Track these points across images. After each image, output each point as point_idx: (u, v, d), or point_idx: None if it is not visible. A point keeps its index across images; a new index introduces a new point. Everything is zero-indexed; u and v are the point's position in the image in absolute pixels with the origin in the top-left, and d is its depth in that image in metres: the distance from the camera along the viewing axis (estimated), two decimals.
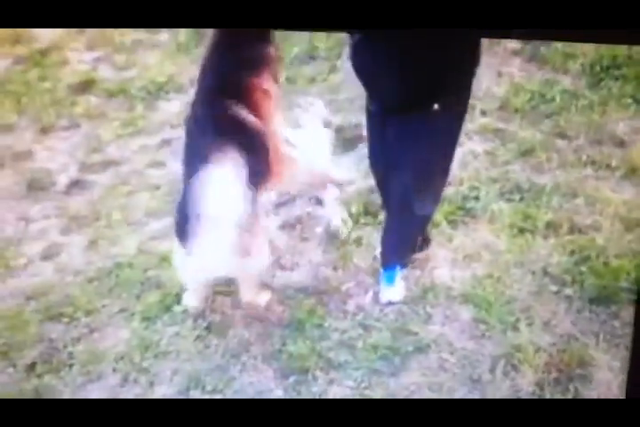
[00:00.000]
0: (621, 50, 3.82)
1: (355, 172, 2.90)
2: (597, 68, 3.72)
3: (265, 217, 2.74)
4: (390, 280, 2.40)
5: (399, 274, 2.41)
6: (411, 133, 2.12)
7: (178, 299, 2.49)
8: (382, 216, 2.75)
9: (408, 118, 2.09)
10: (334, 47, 4.18)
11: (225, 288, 2.52)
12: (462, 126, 2.19)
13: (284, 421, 1.36)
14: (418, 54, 1.90)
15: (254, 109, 2.23)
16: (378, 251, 2.58)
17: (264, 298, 2.47)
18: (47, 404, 1.62)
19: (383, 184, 2.41)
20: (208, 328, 2.39)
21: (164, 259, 2.66)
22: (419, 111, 2.06)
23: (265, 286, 2.50)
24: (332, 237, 2.74)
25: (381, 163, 2.34)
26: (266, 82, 2.28)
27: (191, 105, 2.38)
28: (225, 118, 2.18)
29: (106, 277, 2.62)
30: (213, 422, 1.37)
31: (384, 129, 2.23)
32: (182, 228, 2.18)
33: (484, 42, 4.11)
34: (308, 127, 2.64)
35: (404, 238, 2.43)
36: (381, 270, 2.42)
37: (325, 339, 2.29)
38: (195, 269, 2.27)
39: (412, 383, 2.11)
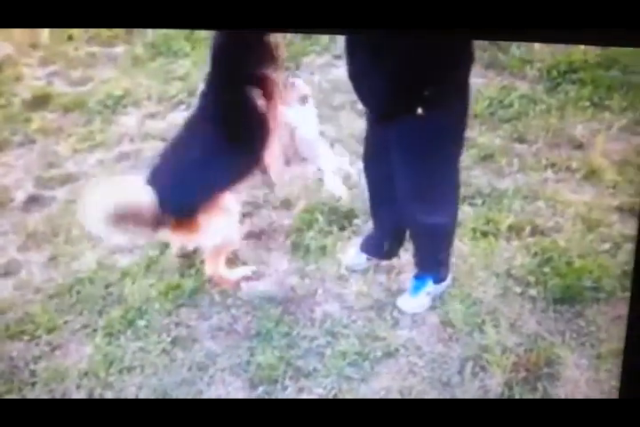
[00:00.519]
0: (578, 54, 3.96)
1: None
2: (555, 73, 3.85)
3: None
4: (413, 291, 2.43)
5: (427, 288, 2.42)
6: (398, 138, 2.12)
7: (140, 313, 2.48)
8: (349, 224, 2.83)
9: (394, 123, 2.09)
10: (293, 58, 4.25)
11: (190, 301, 2.53)
12: (460, 131, 2.15)
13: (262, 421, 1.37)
14: (402, 56, 1.90)
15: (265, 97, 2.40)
16: (344, 258, 2.64)
17: (236, 274, 2.57)
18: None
19: (375, 190, 2.44)
20: (173, 342, 2.38)
21: (126, 273, 2.66)
22: (403, 115, 2.04)
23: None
24: (297, 245, 2.76)
25: (371, 168, 2.38)
26: (273, 72, 2.41)
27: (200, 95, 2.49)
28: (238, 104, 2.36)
29: (67, 294, 2.59)
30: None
31: (374, 133, 2.27)
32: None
33: None
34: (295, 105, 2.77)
35: (426, 249, 2.41)
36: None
37: (294, 347, 2.31)
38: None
39: (382, 388, 2.13)
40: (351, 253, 2.65)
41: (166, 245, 2.79)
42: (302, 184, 3.04)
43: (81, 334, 2.43)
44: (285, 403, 2.02)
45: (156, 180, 2.34)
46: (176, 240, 2.55)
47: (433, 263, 2.42)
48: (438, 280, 2.42)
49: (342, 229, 2.82)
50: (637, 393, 1.27)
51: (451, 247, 2.42)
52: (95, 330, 2.43)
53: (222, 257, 2.57)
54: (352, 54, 2.07)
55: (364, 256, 2.61)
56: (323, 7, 1.10)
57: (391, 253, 2.57)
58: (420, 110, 1.99)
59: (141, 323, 2.45)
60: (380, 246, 2.52)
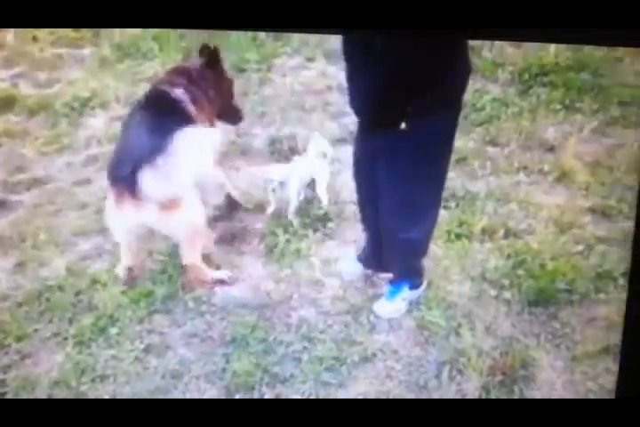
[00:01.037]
0: (549, 57, 4.05)
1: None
2: (526, 76, 3.93)
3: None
4: (388, 296, 2.45)
5: (402, 293, 2.43)
6: (384, 153, 2.13)
7: (112, 321, 2.46)
8: (323, 226, 2.84)
9: (381, 136, 2.10)
10: (264, 60, 4.25)
11: (162, 307, 2.51)
12: (447, 148, 2.15)
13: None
14: (387, 72, 1.91)
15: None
16: (317, 262, 2.66)
17: (213, 273, 2.62)
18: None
19: (362, 200, 2.44)
20: (146, 350, 2.36)
21: (96, 280, 2.64)
22: (387, 129, 2.05)
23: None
24: (270, 249, 2.76)
25: (359, 179, 2.38)
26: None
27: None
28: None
29: (36, 301, 2.56)
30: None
31: (362, 145, 2.27)
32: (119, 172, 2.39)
33: None
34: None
35: (401, 259, 2.43)
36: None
37: (270, 353, 2.30)
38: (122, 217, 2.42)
39: (359, 393, 2.14)
40: (348, 262, 2.65)
41: None
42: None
43: (51, 342, 2.40)
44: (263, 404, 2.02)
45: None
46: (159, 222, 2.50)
47: (408, 271, 2.45)
48: (414, 286, 2.45)
49: (316, 231, 2.84)
50: (634, 392, 1.29)
51: (425, 255, 2.44)
52: (66, 338, 2.40)
53: (199, 246, 2.58)
54: (347, 61, 2.09)
55: (360, 266, 2.61)
56: (317, 6, 1.10)
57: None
58: (403, 125, 2.01)
59: (113, 331, 2.43)
60: (377, 257, 2.52)
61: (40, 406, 1.44)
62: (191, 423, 1.43)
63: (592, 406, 1.35)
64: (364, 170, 2.30)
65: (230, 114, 2.96)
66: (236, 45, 4.31)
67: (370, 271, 2.60)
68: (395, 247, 2.36)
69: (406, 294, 2.43)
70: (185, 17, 1.18)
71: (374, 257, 2.51)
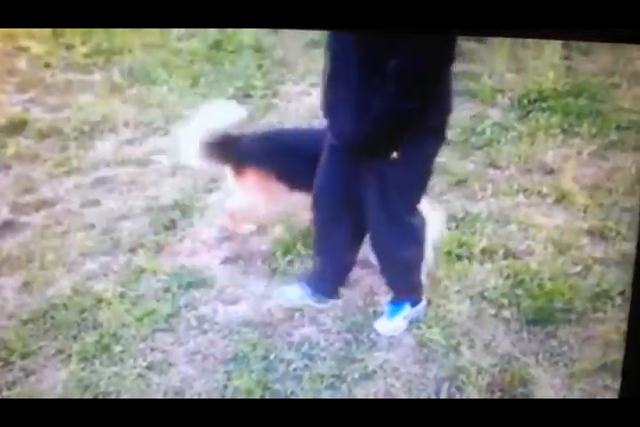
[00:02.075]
0: (547, 83, 4.12)
1: None
2: (525, 101, 4.00)
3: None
4: (390, 314, 2.47)
5: (404, 312, 2.45)
6: (367, 178, 2.15)
7: (116, 339, 2.48)
8: None
9: (367, 163, 2.11)
10: (270, 86, 4.34)
11: (166, 326, 2.54)
12: (427, 176, 2.20)
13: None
14: (382, 97, 1.90)
15: None
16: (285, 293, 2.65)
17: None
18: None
19: (320, 225, 2.46)
20: (149, 367, 2.37)
21: (101, 299, 2.66)
22: (378, 158, 2.06)
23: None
24: (273, 270, 2.80)
25: (329, 200, 2.37)
26: None
27: None
28: None
29: (41, 319, 2.58)
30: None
31: (343, 167, 2.25)
32: None
33: None
34: None
35: (399, 278, 2.46)
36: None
37: (271, 371, 2.31)
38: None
39: None
40: (294, 287, 2.63)
41: (142, 270, 2.82)
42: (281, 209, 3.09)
43: (55, 359, 2.41)
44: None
45: None
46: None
47: (408, 288, 2.47)
48: (414, 303, 2.46)
49: None
50: (637, 392, 1.30)
51: (422, 271, 2.47)
52: (70, 355, 2.42)
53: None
54: (329, 87, 2.11)
55: (307, 291, 2.59)
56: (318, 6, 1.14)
57: (336, 293, 2.60)
58: (395, 154, 2.03)
59: (117, 348, 2.45)
60: (326, 284, 2.55)
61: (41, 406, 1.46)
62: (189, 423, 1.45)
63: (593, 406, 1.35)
64: (337, 194, 2.31)
65: None
66: (242, 72, 4.41)
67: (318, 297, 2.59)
68: (394, 267, 2.40)
69: (407, 312, 2.45)
70: (191, 16, 1.20)
71: (323, 282, 2.54)
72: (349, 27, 1.17)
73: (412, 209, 2.24)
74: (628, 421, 1.25)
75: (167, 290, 2.71)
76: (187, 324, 2.55)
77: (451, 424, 1.38)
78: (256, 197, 2.79)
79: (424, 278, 2.49)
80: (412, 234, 2.30)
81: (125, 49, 5.05)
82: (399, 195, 2.16)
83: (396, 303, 2.46)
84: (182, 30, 5.21)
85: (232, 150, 2.76)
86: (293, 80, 4.43)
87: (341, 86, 2.05)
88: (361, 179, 2.18)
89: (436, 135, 2.11)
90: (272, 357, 2.37)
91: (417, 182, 2.18)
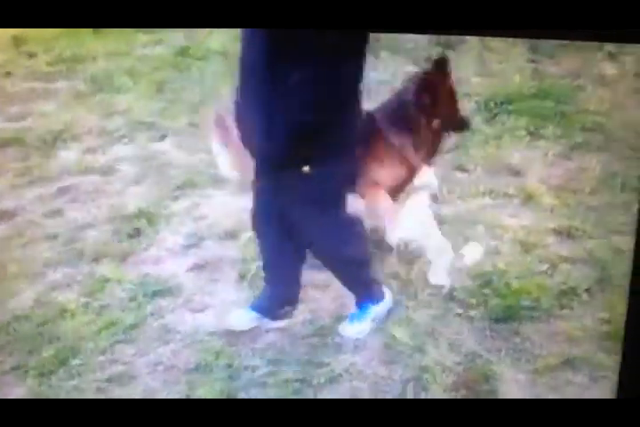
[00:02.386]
0: (513, 87, 4.21)
1: None
2: (492, 105, 4.07)
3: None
4: (357, 317, 2.48)
5: (371, 313, 2.47)
6: (282, 194, 2.15)
7: (73, 352, 2.46)
8: None
9: (279, 177, 2.09)
10: None
11: (125, 337, 2.53)
12: (346, 189, 2.21)
13: None
14: (299, 106, 1.90)
15: None
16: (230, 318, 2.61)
17: None
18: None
19: (266, 249, 2.48)
20: (109, 380, 2.36)
21: (64, 310, 2.65)
22: (289, 172, 2.04)
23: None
24: (242, 276, 2.81)
25: (265, 223, 2.39)
26: None
27: None
28: None
29: (3, 332, 2.57)
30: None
31: (261, 183, 2.24)
32: None
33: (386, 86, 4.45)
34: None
35: (350, 279, 2.48)
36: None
37: (235, 379, 2.32)
38: None
39: None
40: (239, 312, 2.57)
41: (106, 280, 2.82)
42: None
43: (12, 375, 2.38)
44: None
45: None
46: None
47: (365, 287, 2.49)
48: (376, 301, 2.49)
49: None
50: (636, 393, 1.33)
51: (372, 267, 2.51)
52: (27, 371, 2.39)
53: None
54: (242, 97, 2.09)
55: (254, 315, 2.55)
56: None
57: (285, 314, 2.56)
58: (306, 168, 2.01)
59: (75, 362, 2.43)
60: (273, 307, 2.53)
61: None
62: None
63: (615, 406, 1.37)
64: (260, 212, 2.35)
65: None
66: (209, 78, 4.44)
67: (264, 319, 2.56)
68: (340, 270, 2.43)
69: (374, 311, 2.47)
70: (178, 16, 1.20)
71: (271, 305, 2.53)
72: (340, 27, 1.19)
73: (340, 214, 2.24)
74: (625, 422, 1.27)
75: (132, 299, 2.71)
76: (149, 334, 2.55)
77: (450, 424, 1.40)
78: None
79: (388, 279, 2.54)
80: (347, 235, 2.31)
81: (89, 57, 5.06)
82: (320, 208, 2.17)
83: (362, 305, 2.49)
84: (147, 37, 5.23)
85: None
86: None
87: (249, 97, 2.04)
88: (285, 195, 2.18)
89: (349, 153, 2.11)
90: (236, 364, 2.38)
91: (335, 194, 2.19)
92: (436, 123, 2.51)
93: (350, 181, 2.23)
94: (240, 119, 2.17)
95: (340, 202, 2.23)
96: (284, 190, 2.14)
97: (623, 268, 2.69)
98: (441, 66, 2.49)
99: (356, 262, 2.42)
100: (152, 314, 2.63)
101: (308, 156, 2.00)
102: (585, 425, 1.31)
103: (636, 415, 1.23)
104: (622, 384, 1.29)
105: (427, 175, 2.60)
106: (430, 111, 2.48)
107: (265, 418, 1.48)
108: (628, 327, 1.30)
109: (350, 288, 2.51)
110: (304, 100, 1.88)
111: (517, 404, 1.54)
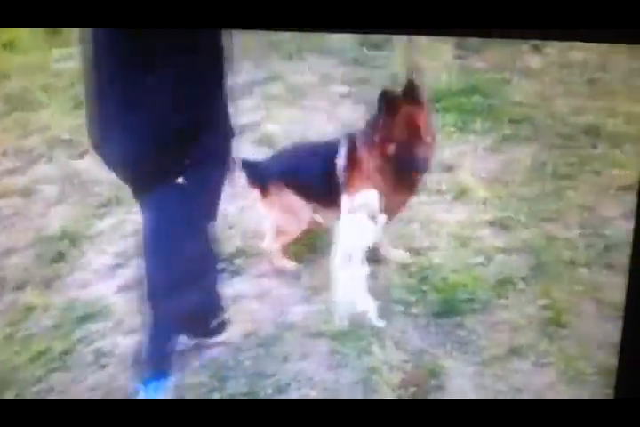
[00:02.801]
0: (441, 84, 4.33)
1: None
2: None
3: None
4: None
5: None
6: (158, 208, 2.06)
7: (6, 384, 2.41)
8: (230, 264, 2.90)
9: (154, 194, 2.01)
10: None
11: (61, 364, 2.49)
12: (216, 203, 2.14)
13: None
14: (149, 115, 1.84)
15: None
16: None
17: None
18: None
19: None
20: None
21: None
22: (160, 184, 1.96)
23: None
24: None
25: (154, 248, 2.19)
26: None
27: None
28: None
29: None
30: None
31: (140, 201, 2.14)
32: None
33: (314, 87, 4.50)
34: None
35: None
36: None
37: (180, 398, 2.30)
38: None
39: None
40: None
41: (31, 307, 2.76)
42: None
43: None
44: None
45: None
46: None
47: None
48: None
49: (222, 271, 2.89)
50: (634, 393, 1.36)
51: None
52: None
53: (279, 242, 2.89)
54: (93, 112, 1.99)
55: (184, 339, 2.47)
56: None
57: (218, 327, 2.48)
58: (181, 179, 1.95)
59: (9, 394, 2.38)
60: (201, 323, 2.43)
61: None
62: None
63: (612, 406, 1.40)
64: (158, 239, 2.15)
65: None
66: None
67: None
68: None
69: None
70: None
71: (197, 323, 2.44)
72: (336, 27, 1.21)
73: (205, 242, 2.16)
74: (623, 422, 1.31)
75: (60, 326, 2.67)
76: (84, 360, 2.51)
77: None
78: (283, 214, 2.86)
79: None
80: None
81: (2, 75, 4.96)
82: (187, 222, 2.07)
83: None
84: (61, 51, 5.14)
85: (256, 173, 2.85)
86: None
87: (105, 104, 1.93)
88: (163, 208, 2.07)
89: (218, 168, 2.06)
90: (179, 383, 2.35)
91: (205, 209, 2.11)
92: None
93: (215, 199, 2.13)
94: (99, 141, 2.03)
95: (209, 218, 2.14)
96: (161, 204, 2.04)
97: (557, 254, 2.82)
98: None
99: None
100: (83, 339, 2.59)
101: (181, 166, 1.94)
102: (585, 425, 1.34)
103: (632, 416, 1.28)
104: (619, 384, 1.34)
105: (367, 195, 2.68)
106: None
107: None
108: (627, 328, 1.34)
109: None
110: (165, 107, 1.83)
111: (516, 404, 1.57)
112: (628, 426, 1.29)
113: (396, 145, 2.53)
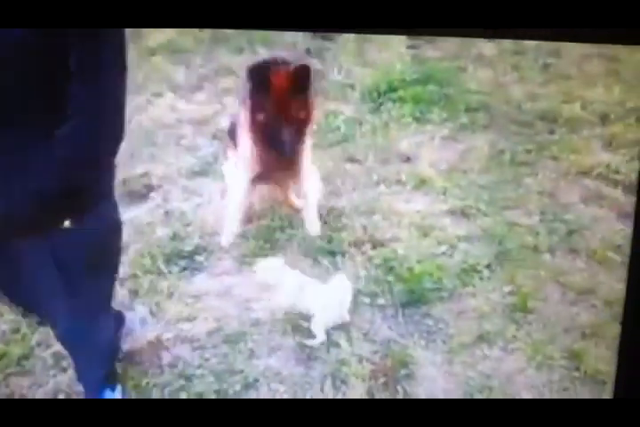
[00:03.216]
0: (395, 75, 4.40)
1: None
2: (375, 94, 4.24)
3: None
4: None
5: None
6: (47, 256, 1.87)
7: None
8: (192, 261, 2.92)
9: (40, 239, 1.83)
10: None
11: (19, 369, 2.47)
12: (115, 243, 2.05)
13: None
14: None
15: None
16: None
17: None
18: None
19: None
20: None
21: None
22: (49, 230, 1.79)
23: None
24: (134, 292, 2.79)
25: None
26: None
27: None
28: None
29: None
30: None
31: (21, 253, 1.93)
32: None
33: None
34: None
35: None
36: None
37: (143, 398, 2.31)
38: None
39: None
40: None
41: None
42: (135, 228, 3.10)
43: None
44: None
45: None
46: None
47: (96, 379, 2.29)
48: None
49: (184, 269, 2.90)
50: (633, 393, 1.39)
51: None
52: None
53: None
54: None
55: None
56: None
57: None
58: (67, 223, 1.80)
59: None
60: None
61: None
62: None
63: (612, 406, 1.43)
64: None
65: None
66: None
67: None
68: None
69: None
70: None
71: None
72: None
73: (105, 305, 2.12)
74: (622, 423, 1.35)
75: (16, 331, 2.64)
76: (43, 363, 2.49)
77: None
78: None
79: None
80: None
81: None
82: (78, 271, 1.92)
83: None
84: None
85: None
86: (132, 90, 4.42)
87: None
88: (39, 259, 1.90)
89: (105, 207, 1.94)
90: (143, 384, 2.38)
91: (97, 257, 1.96)
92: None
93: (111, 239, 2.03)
94: None
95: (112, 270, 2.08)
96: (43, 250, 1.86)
97: (520, 241, 2.92)
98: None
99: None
100: (39, 344, 2.57)
101: (66, 210, 1.79)
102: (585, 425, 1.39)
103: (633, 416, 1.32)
104: (619, 385, 1.39)
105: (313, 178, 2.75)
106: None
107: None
108: (626, 328, 1.39)
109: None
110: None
111: (513, 404, 1.61)
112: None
113: (265, 115, 2.74)
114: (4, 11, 1.26)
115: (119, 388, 2.33)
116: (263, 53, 4.96)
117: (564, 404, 1.55)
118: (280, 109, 2.72)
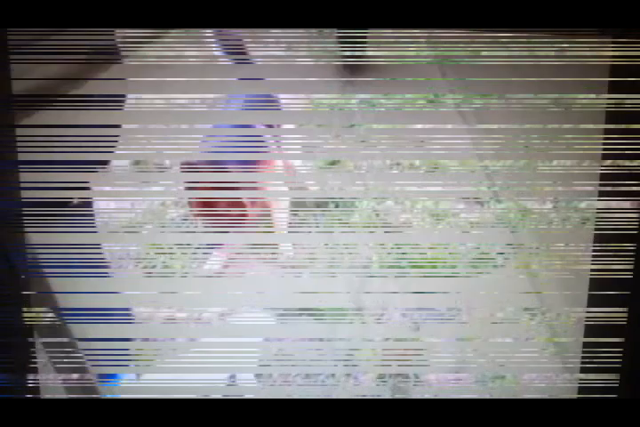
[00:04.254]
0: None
1: None
2: None
3: None
4: None
5: None
6: None
7: None
8: None
9: None
10: None
11: None
12: None
13: None
14: None
15: None
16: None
17: None
18: None
19: None
20: None
21: None
22: None
23: None
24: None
25: None
26: None
27: None
28: None
29: None
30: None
31: None
32: None
33: None
34: None
35: None
36: None
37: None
38: None
39: None
40: None
41: None
42: None
43: None
44: None
45: None
46: None
47: None
48: None
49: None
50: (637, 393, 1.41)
51: None
52: None
53: None
54: None
55: None
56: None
57: None
58: None
59: None
60: None
61: None
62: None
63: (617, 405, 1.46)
64: None
65: None
66: None
67: None
68: None
69: None
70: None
71: None
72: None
73: None
74: (628, 421, 1.38)
75: None
76: None
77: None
78: None
79: None
80: None
81: None
82: None
83: None
84: None
85: None
86: None
87: None
88: None
89: None
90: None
91: None
92: None
93: None
94: None
95: None
96: None
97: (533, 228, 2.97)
98: None
99: None
100: None
101: None
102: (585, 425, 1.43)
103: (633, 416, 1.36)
104: (622, 384, 1.42)
105: None
106: None
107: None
108: (630, 328, 1.41)
109: None
110: None
111: (516, 404, 1.66)
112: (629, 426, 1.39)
113: None
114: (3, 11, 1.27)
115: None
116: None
117: (564, 404, 1.58)
118: None
